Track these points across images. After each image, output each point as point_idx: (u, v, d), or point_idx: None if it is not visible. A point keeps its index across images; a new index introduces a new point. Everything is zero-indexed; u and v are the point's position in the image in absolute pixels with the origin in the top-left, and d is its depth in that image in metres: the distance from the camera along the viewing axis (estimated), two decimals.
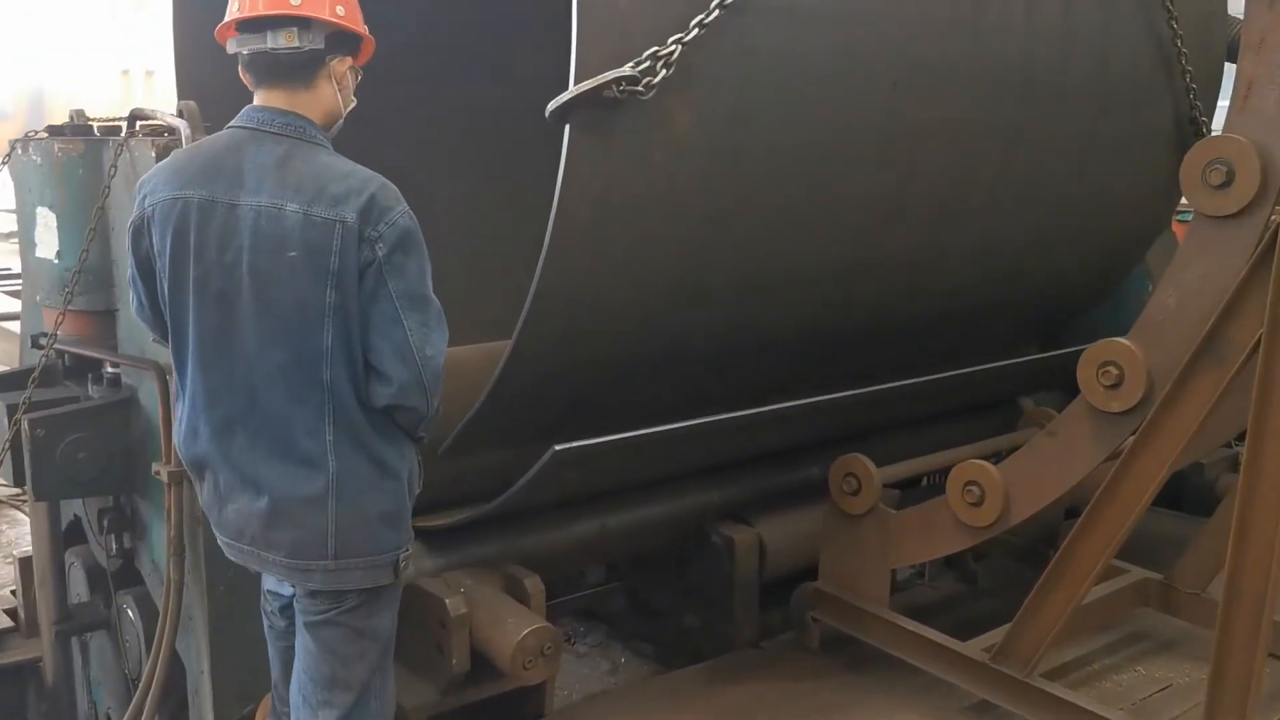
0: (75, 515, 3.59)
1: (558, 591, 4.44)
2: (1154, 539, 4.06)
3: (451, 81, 5.06)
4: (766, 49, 3.03)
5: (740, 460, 3.98)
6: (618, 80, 2.70)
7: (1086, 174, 4.10)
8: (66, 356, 3.38)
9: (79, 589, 3.65)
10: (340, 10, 2.51)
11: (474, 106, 5.14)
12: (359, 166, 2.49)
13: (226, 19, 2.51)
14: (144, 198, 2.52)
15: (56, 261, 3.28)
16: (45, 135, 3.33)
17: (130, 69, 20.30)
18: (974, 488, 3.30)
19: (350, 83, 2.64)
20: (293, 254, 2.36)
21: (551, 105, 2.70)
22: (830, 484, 3.64)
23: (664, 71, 2.75)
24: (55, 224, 3.26)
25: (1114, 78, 3.99)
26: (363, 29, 2.61)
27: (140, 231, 2.52)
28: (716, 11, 2.84)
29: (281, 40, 2.45)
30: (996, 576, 4.31)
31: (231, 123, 2.55)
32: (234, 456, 2.49)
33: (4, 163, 3.37)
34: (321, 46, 2.50)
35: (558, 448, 3.06)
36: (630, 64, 2.71)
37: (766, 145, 3.12)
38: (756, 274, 3.30)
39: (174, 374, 2.59)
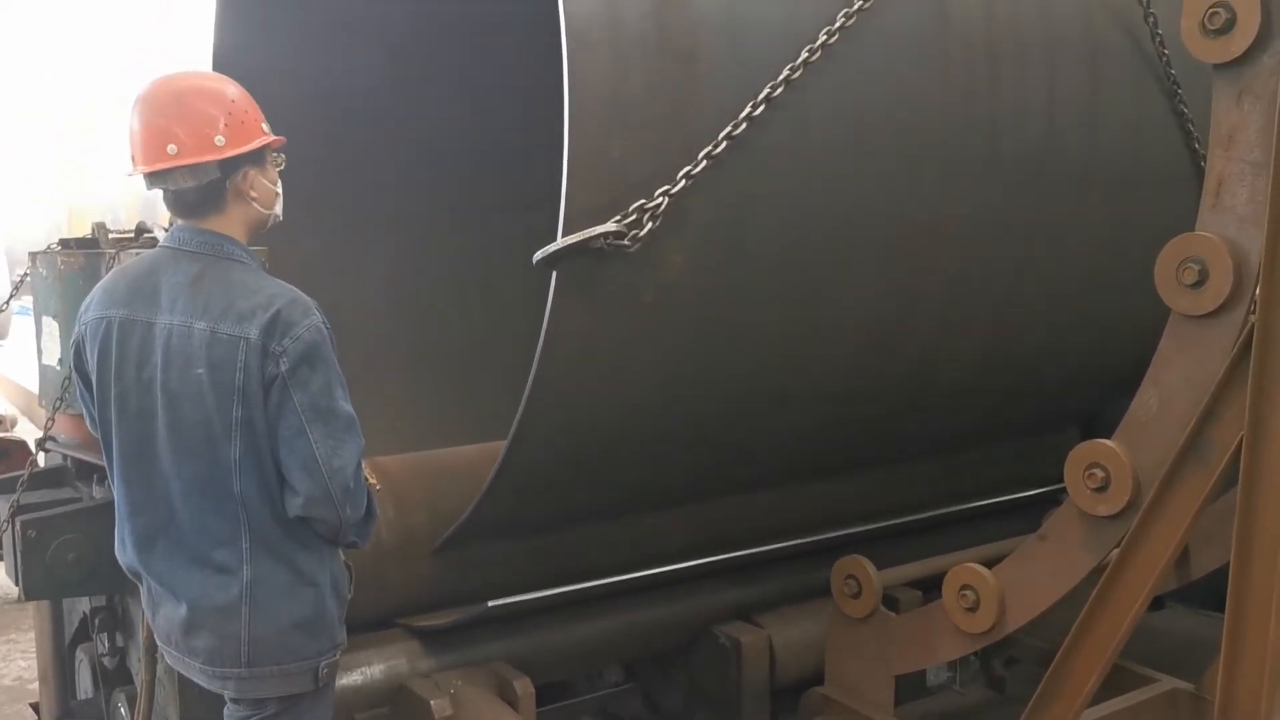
0: (84, 613, 3.70)
1: (578, 690, 4.42)
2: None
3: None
4: (760, 189, 3.02)
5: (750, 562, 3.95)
6: (604, 235, 2.71)
7: (1117, 260, 3.98)
8: (69, 459, 3.55)
9: (86, 685, 3.76)
10: (220, 140, 2.50)
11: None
12: (272, 282, 2.54)
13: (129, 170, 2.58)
14: (80, 316, 2.64)
15: (59, 369, 3.44)
16: (57, 249, 3.53)
17: None
18: (969, 592, 3.22)
19: (264, 183, 2.62)
20: (199, 371, 2.43)
21: (538, 255, 2.73)
22: (832, 585, 3.59)
23: (650, 224, 2.75)
24: (58, 333, 3.42)
25: (1145, 164, 3.90)
26: (257, 138, 2.57)
27: (79, 350, 2.65)
28: (704, 163, 2.84)
29: (178, 182, 2.52)
30: (1027, 684, 4.14)
31: (161, 241, 2.66)
32: (155, 566, 2.58)
33: (24, 276, 3.58)
34: (218, 175, 2.53)
35: (491, 604, 3.20)
36: (615, 219, 2.73)
37: (760, 277, 3.13)
38: (748, 396, 3.33)
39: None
